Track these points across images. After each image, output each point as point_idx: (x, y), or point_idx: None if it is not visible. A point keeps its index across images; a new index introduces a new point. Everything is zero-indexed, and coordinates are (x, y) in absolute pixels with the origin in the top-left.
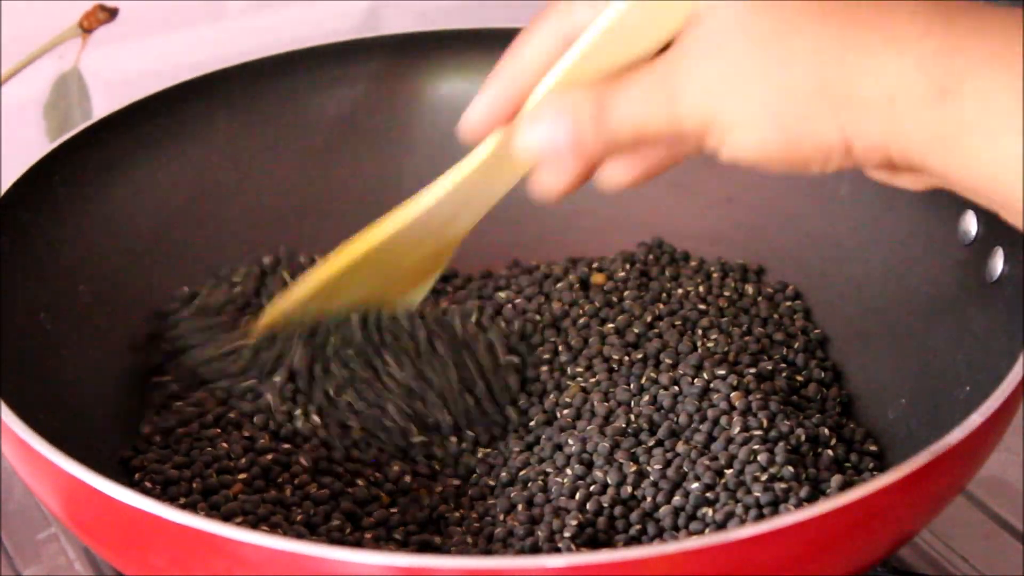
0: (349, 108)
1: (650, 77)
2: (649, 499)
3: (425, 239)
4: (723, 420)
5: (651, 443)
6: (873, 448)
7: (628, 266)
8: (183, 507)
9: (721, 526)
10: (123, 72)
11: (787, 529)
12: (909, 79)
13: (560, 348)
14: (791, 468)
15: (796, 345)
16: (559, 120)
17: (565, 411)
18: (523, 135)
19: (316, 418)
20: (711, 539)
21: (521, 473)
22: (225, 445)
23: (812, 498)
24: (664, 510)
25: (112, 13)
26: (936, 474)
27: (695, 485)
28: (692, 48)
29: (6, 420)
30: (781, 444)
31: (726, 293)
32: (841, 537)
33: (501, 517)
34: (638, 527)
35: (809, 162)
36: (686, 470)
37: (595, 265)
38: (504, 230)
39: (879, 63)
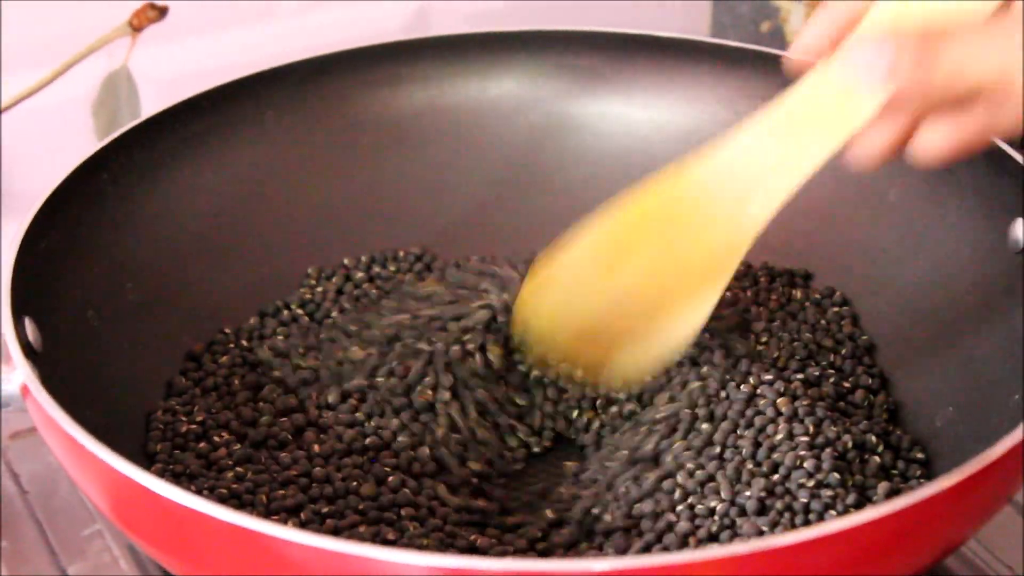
0: (397, 109)
1: (989, 27)
2: (696, 504)
3: (716, 218)
4: (769, 427)
5: (698, 448)
6: (920, 456)
7: None
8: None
9: (766, 532)
10: (172, 71)
11: (833, 536)
12: None
13: None
14: (837, 475)
15: (843, 351)
16: (884, 46)
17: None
18: (845, 55)
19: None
20: (755, 545)
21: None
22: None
23: (858, 505)
24: (710, 515)
25: (162, 12)
26: (984, 483)
27: (743, 491)
28: None
29: (54, 415)
30: (828, 450)
31: (773, 297)
32: (887, 546)
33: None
34: (685, 530)
35: None
36: (732, 476)
37: None
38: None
39: None
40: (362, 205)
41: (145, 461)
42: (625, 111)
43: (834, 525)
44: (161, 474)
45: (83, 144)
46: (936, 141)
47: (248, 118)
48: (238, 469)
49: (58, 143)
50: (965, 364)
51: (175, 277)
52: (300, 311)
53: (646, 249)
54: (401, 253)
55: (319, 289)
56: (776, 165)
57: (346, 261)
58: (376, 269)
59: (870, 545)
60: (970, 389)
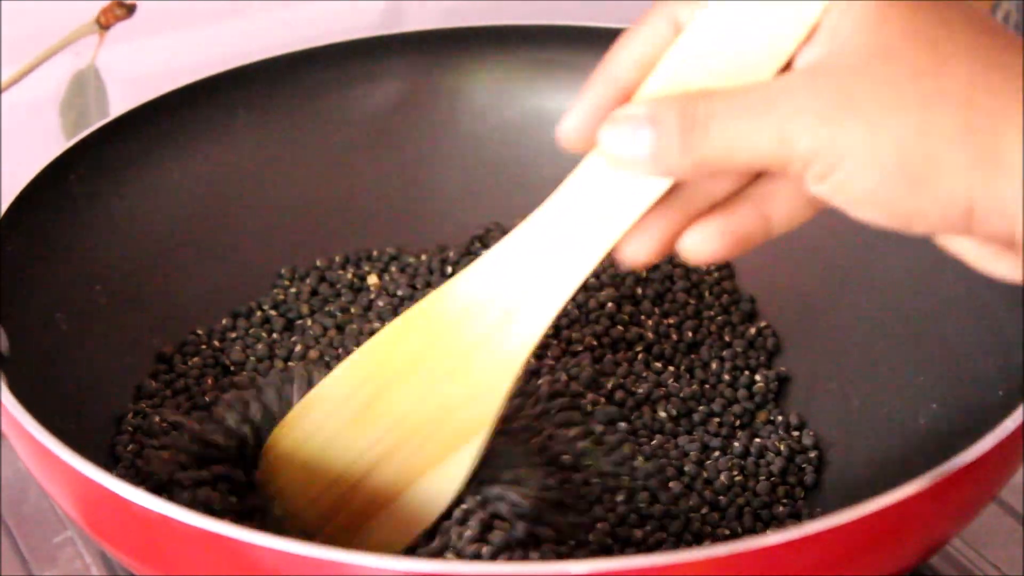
0: (371, 106)
1: (761, 90)
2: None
3: (479, 340)
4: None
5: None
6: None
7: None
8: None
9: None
10: (141, 69)
11: (816, 536)
12: None
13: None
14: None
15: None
16: (641, 125)
17: None
18: (602, 138)
19: None
20: (740, 545)
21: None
22: None
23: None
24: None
25: (130, 9)
26: (968, 481)
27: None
28: (822, 64)
29: (22, 421)
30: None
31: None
32: (871, 545)
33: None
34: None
35: (916, 217)
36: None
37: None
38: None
39: None
40: (335, 204)
41: (114, 465)
42: None
43: (817, 524)
44: (129, 479)
45: (50, 144)
46: (705, 244)
47: (219, 117)
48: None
49: (25, 143)
50: (948, 360)
51: (145, 278)
52: (272, 312)
53: (411, 375)
54: (375, 253)
55: (292, 290)
56: (539, 282)
57: (319, 262)
58: (350, 269)
59: (853, 544)
60: (953, 386)
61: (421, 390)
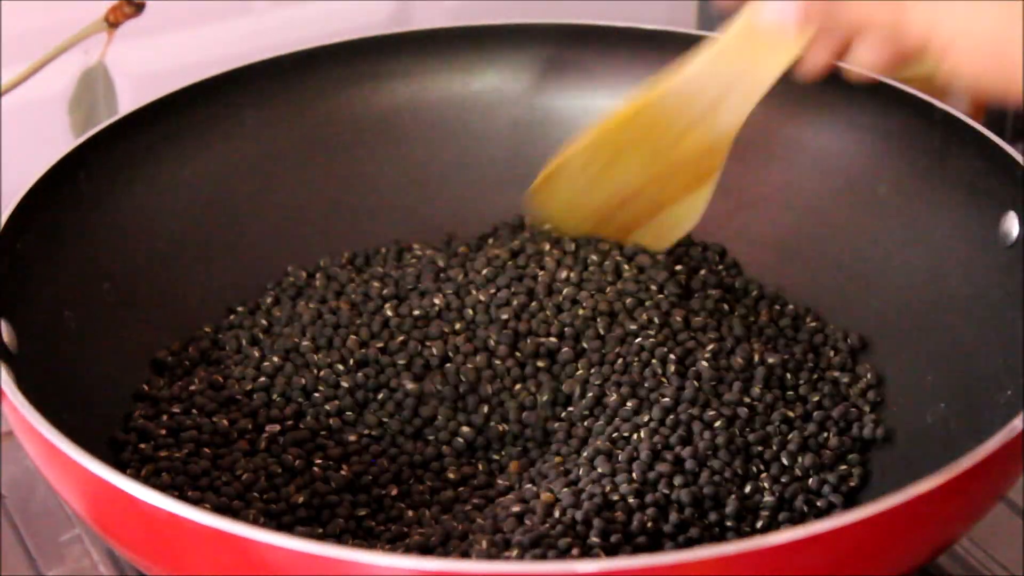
0: (379, 105)
1: None
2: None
3: (693, 124)
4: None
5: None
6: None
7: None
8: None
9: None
10: (149, 67)
11: (824, 535)
12: None
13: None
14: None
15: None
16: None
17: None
18: (762, 8)
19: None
20: (748, 544)
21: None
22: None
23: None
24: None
25: (138, 7)
26: (976, 480)
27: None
28: None
29: (29, 418)
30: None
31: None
32: (879, 544)
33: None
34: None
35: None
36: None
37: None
38: None
39: None
40: (342, 202)
41: (122, 462)
42: (610, 105)
43: (825, 524)
44: (137, 476)
45: (59, 142)
46: (865, 56)
47: (227, 115)
48: (215, 472)
49: (34, 140)
50: (956, 359)
51: (152, 276)
52: (276, 309)
53: (636, 149)
54: (382, 250)
55: (298, 287)
56: (735, 81)
57: (321, 263)
58: (357, 266)
59: (861, 543)
60: (962, 384)
61: (652, 153)
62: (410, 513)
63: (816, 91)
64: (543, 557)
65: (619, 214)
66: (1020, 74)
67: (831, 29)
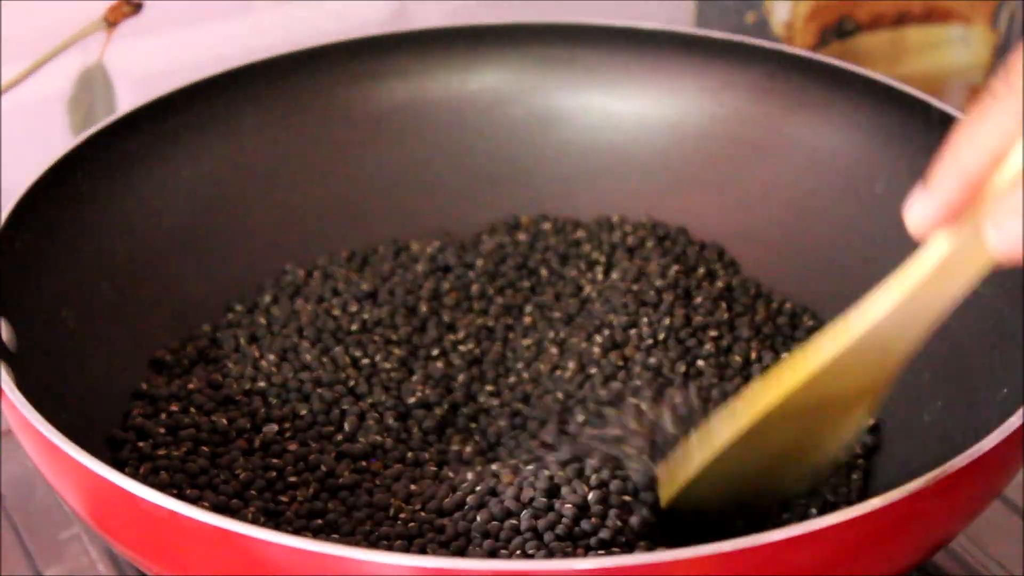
0: (377, 104)
1: None
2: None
3: (861, 369)
4: None
5: None
6: None
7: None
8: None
9: None
10: (148, 66)
11: (820, 533)
12: None
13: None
14: None
15: None
16: None
17: None
18: (998, 230)
19: None
20: (745, 541)
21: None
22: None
23: None
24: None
25: (137, 7)
26: (972, 478)
27: None
28: None
29: (28, 417)
30: None
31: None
32: (875, 542)
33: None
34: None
35: None
36: None
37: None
38: None
39: None
40: (341, 201)
41: (120, 461)
42: (608, 104)
43: (821, 521)
44: (136, 475)
45: (58, 141)
46: None
47: (226, 114)
48: (214, 471)
49: (32, 140)
50: (953, 358)
51: (151, 275)
52: (275, 309)
53: (791, 423)
54: (381, 248)
55: (297, 286)
56: (916, 316)
57: (319, 261)
58: (355, 266)
59: (858, 541)
60: (958, 383)
61: (811, 412)
62: (407, 514)
63: (814, 89)
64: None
65: (761, 479)
66: None
67: None
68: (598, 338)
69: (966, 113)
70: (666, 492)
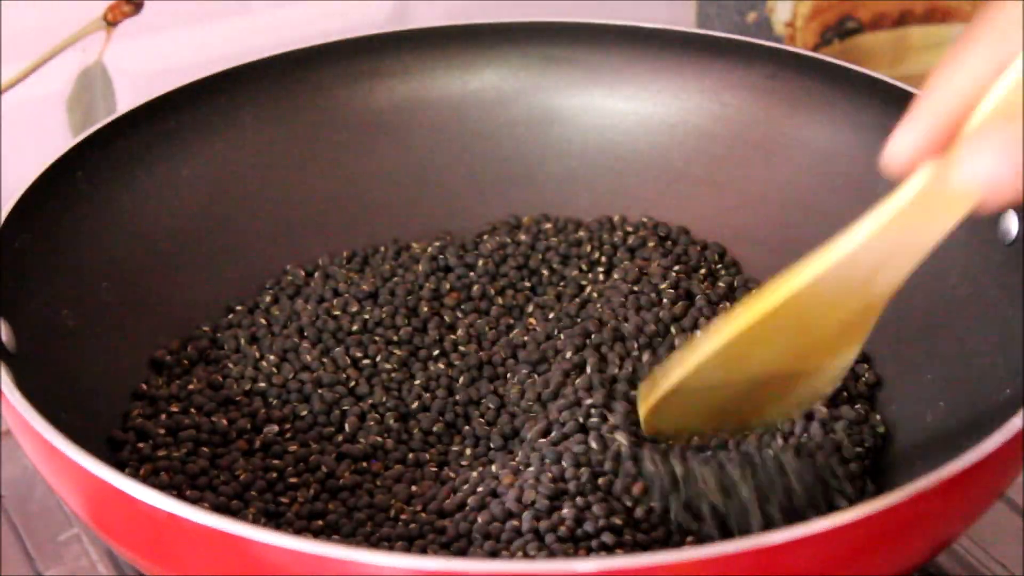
0: (377, 104)
1: None
2: None
3: (842, 298)
4: None
5: None
6: None
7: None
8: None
9: None
10: (148, 66)
11: (822, 534)
12: None
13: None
14: None
15: None
16: (1005, 152)
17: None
18: (963, 167)
19: None
20: (746, 543)
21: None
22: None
23: None
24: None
25: (137, 6)
26: (975, 479)
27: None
28: None
29: (28, 418)
30: None
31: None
32: (877, 543)
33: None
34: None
35: None
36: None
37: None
38: None
39: None
40: (342, 201)
41: (120, 462)
42: (609, 103)
43: (823, 523)
44: (136, 476)
45: (57, 140)
46: None
47: (226, 113)
48: (214, 472)
49: (32, 139)
50: (956, 358)
51: (151, 275)
52: (276, 309)
53: (774, 340)
54: (381, 249)
55: (298, 286)
56: (900, 247)
57: (320, 261)
58: (355, 266)
59: (860, 542)
60: (961, 383)
61: (793, 338)
62: (408, 515)
63: (816, 89)
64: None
65: (745, 404)
66: None
67: None
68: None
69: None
70: (646, 405)
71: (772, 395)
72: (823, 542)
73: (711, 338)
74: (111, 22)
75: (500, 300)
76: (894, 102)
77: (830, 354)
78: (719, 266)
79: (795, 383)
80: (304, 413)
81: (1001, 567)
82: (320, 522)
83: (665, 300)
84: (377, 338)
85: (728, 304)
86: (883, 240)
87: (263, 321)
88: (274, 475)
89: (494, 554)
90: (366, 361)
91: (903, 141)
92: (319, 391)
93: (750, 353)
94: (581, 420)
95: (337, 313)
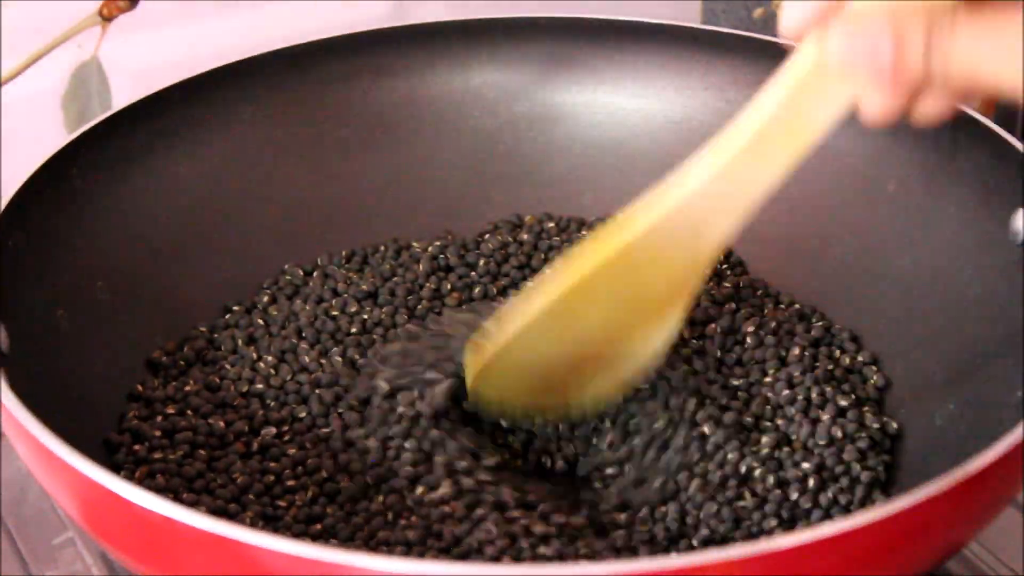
0: (377, 100)
1: (1011, 11)
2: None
3: (677, 253)
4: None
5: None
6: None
7: None
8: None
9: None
10: (143, 61)
11: (834, 539)
12: None
13: None
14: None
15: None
16: (883, 37)
17: None
18: (836, 42)
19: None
20: (755, 547)
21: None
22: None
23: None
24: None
25: (132, 1)
26: (986, 483)
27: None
28: None
29: (22, 420)
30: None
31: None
32: (888, 547)
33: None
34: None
35: None
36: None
37: None
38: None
39: None
40: (341, 199)
41: (115, 464)
42: (613, 100)
43: (834, 527)
44: (131, 478)
45: (52, 137)
46: (930, 111)
47: (223, 110)
48: (211, 475)
49: (27, 136)
50: (966, 360)
51: (147, 274)
52: (274, 310)
53: (603, 301)
54: (381, 248)
55: (296, 286)
56: (733, 191)
57: (319, 261)
58: (354, 265)
59: (871, 547)
60: (972, 385)
61: (621, 299)
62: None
63: None
64: None
65: (570, 378)
66: None
67: (925, 76)
68: None
69: None
70: (472, 371)
71: (597, 369)
72: (832, 547)
73: (537, 298)
74: (107, 17)
75: (502, 300)
76: None
77: (656, 317)
78: (724, 265)
79: (620, 356)
80: (303, 415)
81: (1009, 571)
82: (318, 526)
83: None
84: (376, 339)
85: (732, 304)
86: (720, 184)
87: (261, 321)
88: (272, 478)
89: (495, 559)
90: (363, 362)
91: (793, 12)
92: (317, 392)
93: (577, 315)
94: None
95: (336, 313)
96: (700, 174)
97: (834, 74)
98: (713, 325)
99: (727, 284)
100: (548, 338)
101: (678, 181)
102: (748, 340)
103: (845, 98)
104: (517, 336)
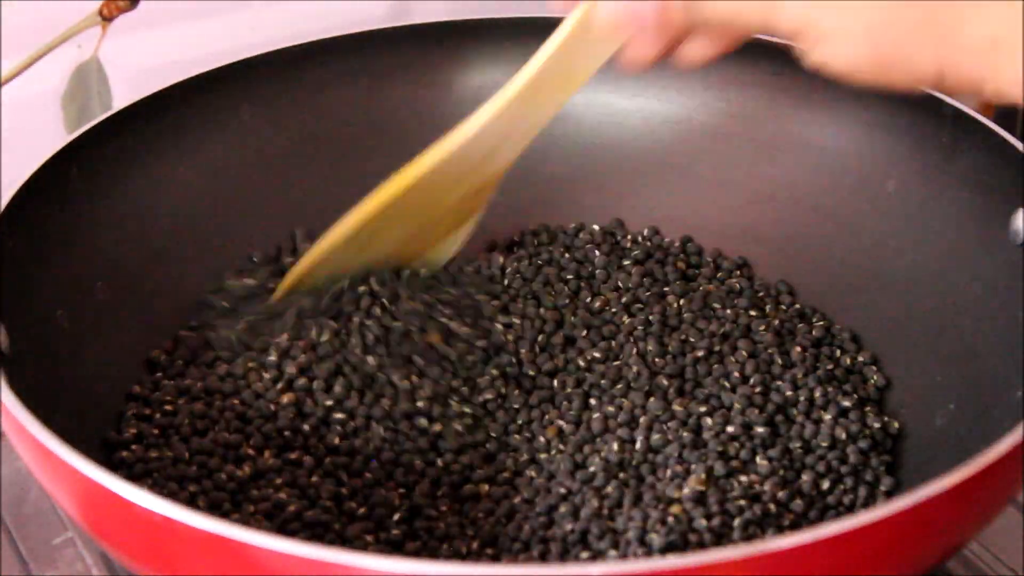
0: (377, 100)
1: None
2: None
3: (469, 173)
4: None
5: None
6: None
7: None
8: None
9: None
10: (143, 62)
11: (833, 539)
12: (1014, 24)
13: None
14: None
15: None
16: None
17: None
18: (605, 7)
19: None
20: (756, 547)
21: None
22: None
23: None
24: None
25: (133, 2)
26: (986, 482)
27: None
28: None
29: (22, 420)
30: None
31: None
32: (889, 547)
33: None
34: None
35: (896, 83)
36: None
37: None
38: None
39: (988, 7)
40: (340, 199)
41: (115, 463)
42: (612, 101)
43: (835, 527)
44: (130, 478)
45: (52, 137)
46: (697, 54)
47: (222, 110)
48: (213, 473)
49: (26, 136)
50: (966, 359)
51: (147, 274)
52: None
53: (405, 216)
54: None
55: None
56: (519, 121)
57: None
58: None
59: (871, 547)
60: (972, 385)
61: (419, 213)
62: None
63: (822, 87)
64: None
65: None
66: (897, 65)
67: (686, 27)
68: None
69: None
70: (282, 288)
71: (399, 263)
72: (833, 547)
73: (345, 223)
74: (107, 17)
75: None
76: (903, 100)
77: (448, 231)
78: (726, 262)
79: (416, 257)
80: (302, 413)
81: (1009, 570)
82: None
83: (669, 301)
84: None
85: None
86: (506, 116)
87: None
88: (272, 477)
89: (495, 558)
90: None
91: None
92: (317, 392)
93: (377, 234)
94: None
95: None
96: (483, 116)
97: (601, 31)
98: (713, 325)
99: (734, 281)
100: (347, 257)
101: (467, 122)
102: (749, 340)
103: (609, 50)
104: (322, 256)
